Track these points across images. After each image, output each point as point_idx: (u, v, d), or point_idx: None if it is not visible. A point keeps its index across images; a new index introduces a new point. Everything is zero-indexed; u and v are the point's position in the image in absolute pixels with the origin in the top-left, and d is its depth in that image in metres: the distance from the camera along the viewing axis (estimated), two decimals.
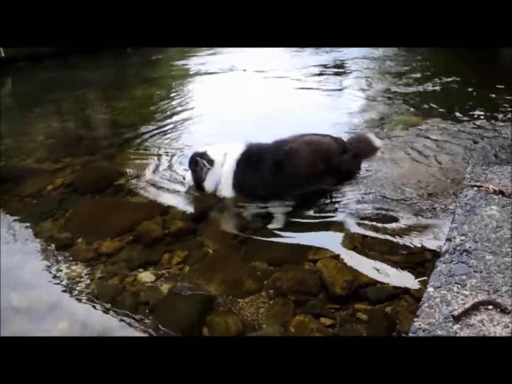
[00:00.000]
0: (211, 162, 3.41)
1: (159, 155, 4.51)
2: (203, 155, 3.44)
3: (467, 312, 1.63)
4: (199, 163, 3.42)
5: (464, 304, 1.66)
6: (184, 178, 3.69)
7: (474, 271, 1.87)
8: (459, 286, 1.79)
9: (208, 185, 3.48)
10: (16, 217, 3.44)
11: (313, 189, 3.44)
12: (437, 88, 6.26)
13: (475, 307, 1.65)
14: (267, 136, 3.65)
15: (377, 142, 3.91)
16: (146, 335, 2.24)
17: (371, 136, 3.96)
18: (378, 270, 2.59)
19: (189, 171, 3.56)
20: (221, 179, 3.43)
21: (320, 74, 7.64)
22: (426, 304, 1.71)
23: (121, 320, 2.35)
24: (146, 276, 2.72)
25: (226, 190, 3.45)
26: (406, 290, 2.40)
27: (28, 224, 3.33)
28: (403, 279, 2.48)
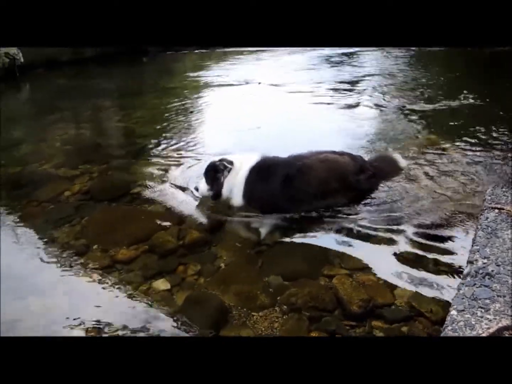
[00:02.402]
0: (230, 163, 3.46)
1: (174, 165, 4.54)
2: (222, 160, 3.49)
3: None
4: (219, 167, 3.46)
5: (488, 328, 1.64)
6: (196, 189, 3.66)
7: (498, 295, 1.84)
8: (483, 310, 1.76)
9: (224, 192, 3.50)
10: (33, 222, 3.47)
11: (323, 206, 3.41)
12: (455, 106, 6.24)
13: (499, 332, 1.62)
14: (281, 150, 3.69)
15: (402, 162, 3.85)
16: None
17: (396, 156, 3.91)
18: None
19: (203, 180, 3.57)
20: (234, 187, 3.46)
21: (335, 89, 7.66)
22: (449, 327, 1.69)
23: (134, 330, 2.34)
24: (161, 284, 2.72)
25: (236, 199, 3.48)
26: (421, 313, 2.37)
27: (44, 230, 3.35)
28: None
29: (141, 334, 2.30)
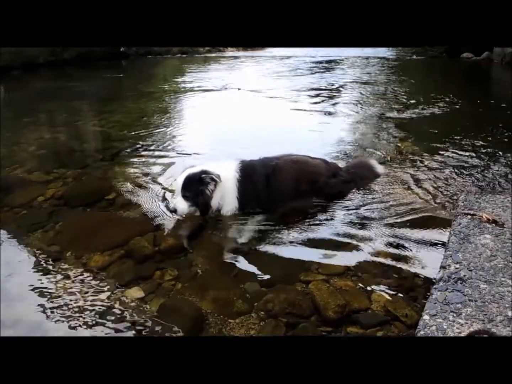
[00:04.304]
0: (218, 176, 3.24)
1: (151, 170, 4.50)
2: (206, 172, 3.24)
3: None
4: (205, 180, 3.23)
5: (460, 333, 1.66)
6: (174, 211, 3.33)
7: (469, 300, 1.87)
8: (455, 315, 1.79)
9: (214, 203, 3.33)
10: (5, 228, 3.38)
11: (297, 205, 3.46)
12: (430, 113, 6.37)
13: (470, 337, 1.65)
14: (255, 155, 3.70)
15: (379, 168, 3.93)
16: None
17: (373, 162, 3.98)
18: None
19: (179, 198, 3.28)
20: (224, 196, 3.36)
21: (314, 96, 7.73)
22: (422, 332, 1.70)
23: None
24: (135, 292, 2.67)
25: (229, 207, 3.40)
26: (396, 317, 2.39)
27: (17, 236, 3.27)
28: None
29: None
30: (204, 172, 3.25)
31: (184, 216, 3.40)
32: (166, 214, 3.49)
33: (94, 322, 2.38)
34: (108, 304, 2.54)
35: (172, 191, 3.84)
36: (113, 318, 2.42)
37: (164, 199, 3.80)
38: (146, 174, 4.41)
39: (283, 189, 3.45)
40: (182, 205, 3.27)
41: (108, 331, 2.31)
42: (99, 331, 2.30)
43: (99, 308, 2.50)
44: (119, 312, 2.48)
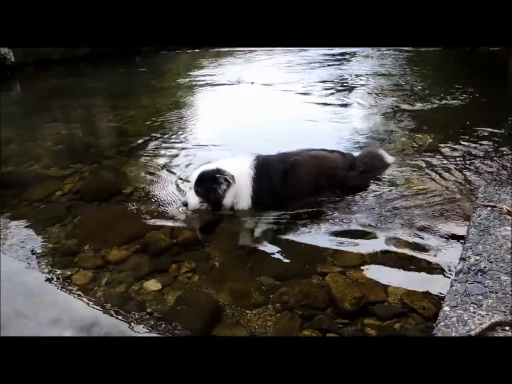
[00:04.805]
0: (232, 177, 3.25)
1: (166, 164, 4.52)
2: (220, 172, 3.26)
3: (484, 333, 1.60)
4: (219, 180, 3.25)
5: (481, 324, 1.64)
6: (185, 204, 3.35)
7: (490, 291, 1.84)
8: (475, 306, 1.77)
9: (226, 201, 3.35)
10: (24, 222, 3.43)
11: (316, 200, 3.45)
12: (445, 105, 6.28)
13: (492, 328, 1.63)
14: (270, 150, 3.69)
15: (389, 158, 3.93)
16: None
17: (383, 152, 3.98)
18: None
19: (191, 193, 3.32)
20: (239, 193, 3.36)
21: (327, 89, 7.67)
22: (442, 323, 1.69)
23: (128, 328, 2.32)
24: (153, 284, 2.69)
25: (244, 203, 3.40)
26: (413, 309, 2.37)
27: (36, 229, 3.32)
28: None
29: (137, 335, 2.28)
30: (219, 171, 3.27)
31: (195, 210, 3.43)
32: (181, 207, 3.52)
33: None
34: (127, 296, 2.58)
35: (187, 183, 3.87)
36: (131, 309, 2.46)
37: (180, 191, 3.82)
38: (162, 167, 4.43)
39: (303, 185, 3.44)
40: (193, 200, 3.31)
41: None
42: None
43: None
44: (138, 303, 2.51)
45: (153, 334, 2.27)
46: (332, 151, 3.73)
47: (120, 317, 2.40)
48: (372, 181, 3.78)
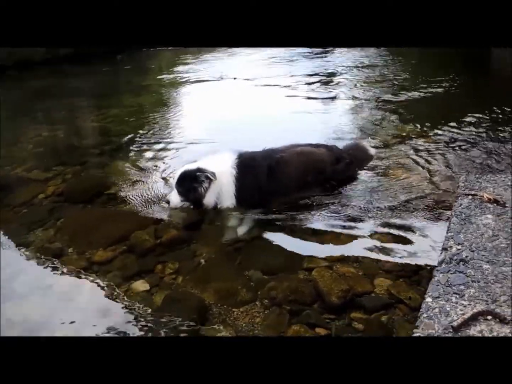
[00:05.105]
0: (213, 175, 3.25)
1: (150, 164, 4.48)
2: (201, 170, 3.27)
3: (466, 323, 1.61)
4: (200, 179, 3.27)
5: (463, 314, 1.65)
6: (167, 202, 3.40)
7: (472, 281, 1.86)
8: (458, 296, 1.78)
9: (208, 200, 3.35)
10: (6, 227, 3.38)
11: (304, 196, 3.44)
12: (428, 95, 6.31)
13: (474, 318, 1.64)
14: (254, 145, 3.66)
15: (371, 150, 3.95)
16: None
17: (365, 144, 3.99)
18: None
19: (174, 192, 3.36)
20: (221, 191, 3.35)
21: (311, 83, 7.65)
22: (425, 315, 1.69)
23: (115, 331, 2.30)
24: (140, 285, 2.68)
25: (228, 202, 3.38)
26: (400, 300, 2.39)
27: (19, 234, 3.27)
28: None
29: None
30: (199, 170, 3.28)
31: (179, 208, 3.45)
32: (163, 206, 3.52)
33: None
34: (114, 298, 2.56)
35: (171, 180, 3.84)
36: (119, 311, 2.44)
37: (164, 189, 3.80)
38: (145, 167, 4.39)
39: (290, 182, 3.42)
40: (175, 198, 3.36)
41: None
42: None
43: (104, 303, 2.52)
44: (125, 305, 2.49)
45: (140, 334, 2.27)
46: (317, 145, 3.71)
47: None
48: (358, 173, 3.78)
